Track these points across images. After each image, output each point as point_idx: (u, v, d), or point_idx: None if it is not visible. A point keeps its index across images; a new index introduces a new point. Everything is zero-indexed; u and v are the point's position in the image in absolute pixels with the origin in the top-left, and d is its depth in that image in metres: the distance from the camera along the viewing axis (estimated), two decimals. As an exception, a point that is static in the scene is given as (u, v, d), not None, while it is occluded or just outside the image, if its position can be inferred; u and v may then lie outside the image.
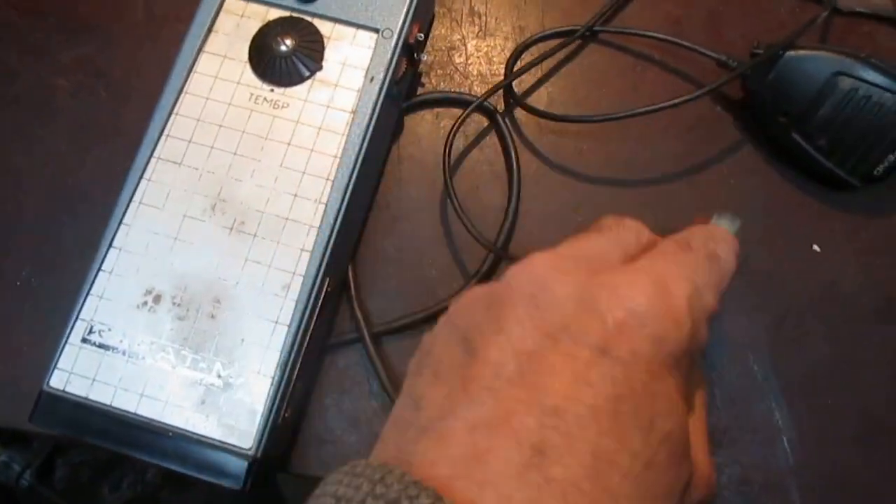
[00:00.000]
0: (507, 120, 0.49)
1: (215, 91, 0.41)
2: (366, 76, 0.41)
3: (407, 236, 0.48)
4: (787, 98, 0.45)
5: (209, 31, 0.42)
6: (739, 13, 0.52)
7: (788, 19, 0.51)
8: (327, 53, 0.42)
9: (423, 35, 0.44)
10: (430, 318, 0.45)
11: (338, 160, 0.40)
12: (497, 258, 0.46)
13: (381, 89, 0.41)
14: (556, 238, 0.46)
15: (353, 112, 0.41)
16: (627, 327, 0.23)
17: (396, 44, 0.42)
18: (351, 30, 0.42)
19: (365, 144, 0.40)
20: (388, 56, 0.41)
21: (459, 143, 0.49)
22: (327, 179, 0.39)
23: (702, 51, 0.49)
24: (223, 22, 0.42)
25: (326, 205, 0.39)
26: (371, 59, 0.41)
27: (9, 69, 0.50)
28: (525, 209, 0.48)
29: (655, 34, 0.50)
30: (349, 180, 0.39)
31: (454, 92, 0.50)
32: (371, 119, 0.40)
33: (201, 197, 0.39)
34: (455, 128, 0.47)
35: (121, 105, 0.50)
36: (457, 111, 0.49)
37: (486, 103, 0.48)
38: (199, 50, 0.42)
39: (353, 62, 0.42)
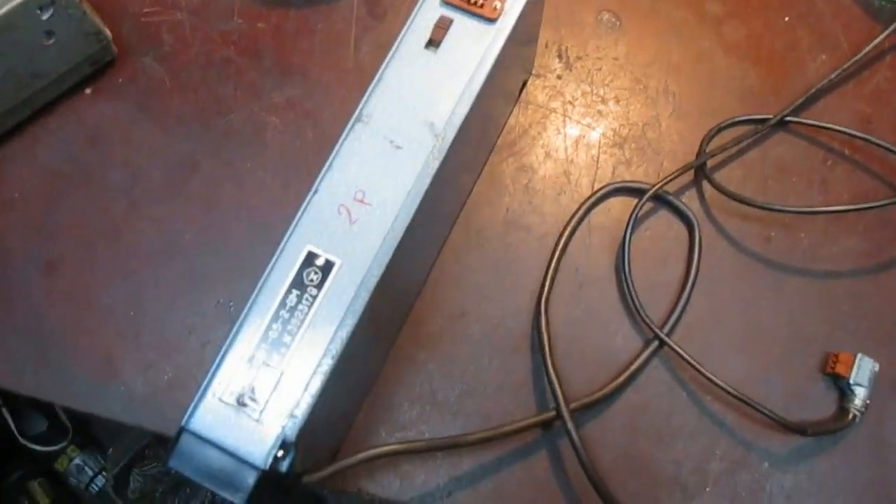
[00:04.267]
0: (693, 202, 0.51)
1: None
2: None
3: (593, 302, 0.49)
4: None
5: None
6: (929, 116, 0.53)
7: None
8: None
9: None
10: (621, 389, 0.46)
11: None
12: (661, 342, 0.47)
13: None
14: (730, 322, 0.48)
15: None
16: None
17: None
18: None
19: None
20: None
21: (648, 219, 0.51)
22: None
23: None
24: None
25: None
26: None
27: (225, 103, 0.53)
28: (705, 289, 0.49)
29: (847, 130, 0.52)
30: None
31: (644, 182, 0.51)
32: None
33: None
34: (637, 207, 0.49)
35: (326, 147, 0.52)
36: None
37: (664, 193, 0.50)
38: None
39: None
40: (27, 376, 0.48)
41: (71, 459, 1.16)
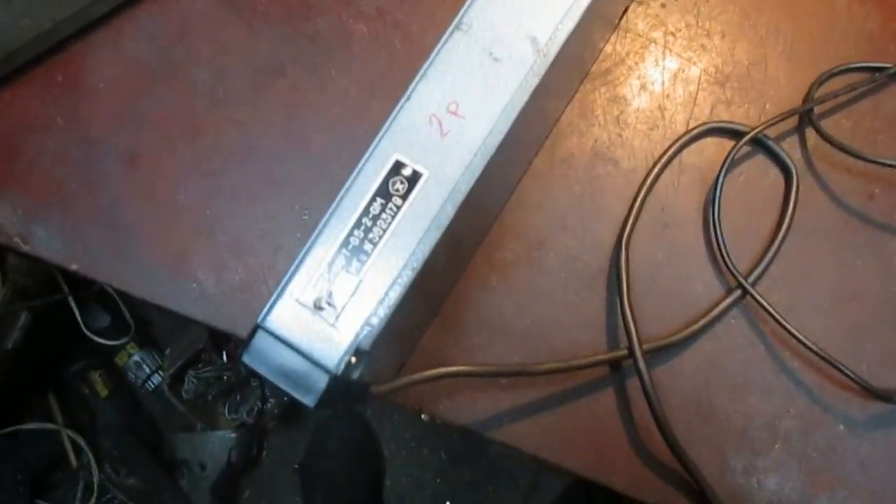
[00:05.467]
0: (794, 150, 0.48)
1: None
2: None
3: (677, 244, 0.47)
4: None
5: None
6: None
7: None
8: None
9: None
10: (697, 335, 0.45)
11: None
12: (744, 291, 0.45)
13: None
14: (820, 279, 0.45)
15: None
16: None
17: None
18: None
19: None
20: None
21: (743, 163, 0.48)
22: None
23: None
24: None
25: None
26: None
27: (313, 7, 0.52)
28: (797, 242, 0.47)
29: (974, 87, 0.48)
30: None
31: (744, 124, 0.49)
32: None
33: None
34: (735, 150, 0.46)
35: (413, 60, 0.50)
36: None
37: (764, 137, 0.47)
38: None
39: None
40: (104, 265, 0.49)
41: (130, 356, 1.20)
